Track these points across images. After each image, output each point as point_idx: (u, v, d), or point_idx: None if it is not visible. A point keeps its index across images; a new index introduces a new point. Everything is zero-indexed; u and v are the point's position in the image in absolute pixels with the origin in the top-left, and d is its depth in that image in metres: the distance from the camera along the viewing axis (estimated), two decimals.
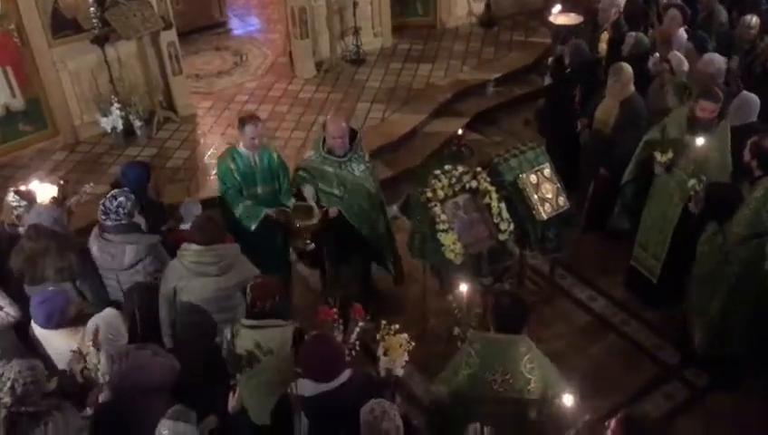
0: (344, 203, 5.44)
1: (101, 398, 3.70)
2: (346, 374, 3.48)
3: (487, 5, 10.39)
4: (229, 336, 3.89)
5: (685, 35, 6.94)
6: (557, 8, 8.22)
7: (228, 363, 3.83)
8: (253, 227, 5.35)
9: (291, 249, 5.89)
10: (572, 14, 8.19)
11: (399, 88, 9.07)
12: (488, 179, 5.34)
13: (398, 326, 3.65)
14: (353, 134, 5.49)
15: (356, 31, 9.49)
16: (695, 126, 5.34)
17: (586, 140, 6.49)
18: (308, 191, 5.45)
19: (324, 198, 5.47)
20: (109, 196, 4.65)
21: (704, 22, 7.33)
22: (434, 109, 8.60)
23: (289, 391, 3.48)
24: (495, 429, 3.47)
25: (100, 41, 7.74)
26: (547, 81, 8.04)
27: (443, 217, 5.14)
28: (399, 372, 3.60)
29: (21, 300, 4.51)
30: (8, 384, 3.50)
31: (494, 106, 8.91)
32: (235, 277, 4.28)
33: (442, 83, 9.14)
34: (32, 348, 4.36)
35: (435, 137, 8.25)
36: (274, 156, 5.54)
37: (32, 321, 4.38)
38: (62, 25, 7.66)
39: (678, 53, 6.48)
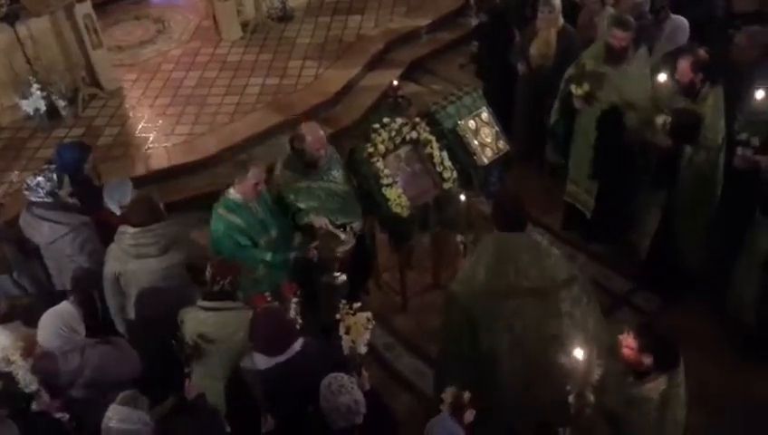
0: (341, 211, 5.02)
1: (76, 394, 3.63)
2: (298, 344, 3.49)
3: None
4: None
5: None
6: None
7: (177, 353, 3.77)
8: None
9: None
10: None
11: (330, 42, 8.88)
12: (428, 129, 5.30)
13: (359, 304, 3.65)
14: None
15: None
16: (611, 56, 5.39)
17: (524, 77, 6.42)
18: (320, 221, 4.81)
19: (313, 213, 4.87)
20: (32, 174, 4.59)
21: None
22: (367, 61, 8.46)
23: (242, 365, 3.47)
24: (522, 329, 3.84)
25: (10, 19, 7.33)
26: (474, 22, 7.96)
27: (386, 171, 5.09)
28: (363, 350, 3.60)
29: None
30: None
31: (428, 53, 8.82)
32: (177, 255, 4.19)
33: (373, 34, 8.98)
34: None
35: (371, 90, 8.13)
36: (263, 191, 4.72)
37: None
38: None
39: None
